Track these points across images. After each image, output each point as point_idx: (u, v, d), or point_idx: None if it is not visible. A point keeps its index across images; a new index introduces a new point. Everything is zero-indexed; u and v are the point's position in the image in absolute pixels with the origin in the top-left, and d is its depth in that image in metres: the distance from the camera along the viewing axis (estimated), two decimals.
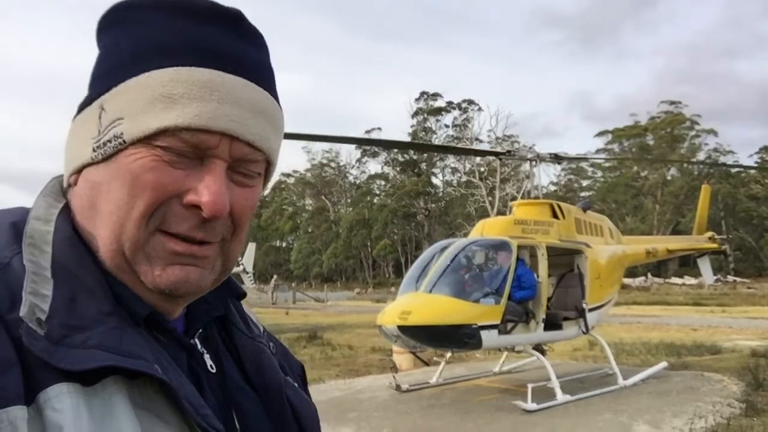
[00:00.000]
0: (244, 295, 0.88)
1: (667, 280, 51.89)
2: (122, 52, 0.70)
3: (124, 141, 0.67)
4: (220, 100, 0.68)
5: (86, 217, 0.71)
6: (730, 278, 54.36)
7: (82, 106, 0.73)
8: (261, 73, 0.74)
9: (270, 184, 0.77)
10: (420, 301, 8.61)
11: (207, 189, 0.67)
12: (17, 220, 0.70)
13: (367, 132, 72.22)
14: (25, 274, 0.64)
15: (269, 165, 0.77)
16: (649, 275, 52.56)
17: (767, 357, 12.49)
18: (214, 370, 0.77)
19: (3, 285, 0.64)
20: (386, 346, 13.07)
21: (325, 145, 73.75)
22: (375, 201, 71.76)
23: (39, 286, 0.63)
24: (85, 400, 0.60)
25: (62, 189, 0.76)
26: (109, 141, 0.68)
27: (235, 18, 0.73)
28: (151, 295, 0.70)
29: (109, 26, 0.73)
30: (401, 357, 12.38)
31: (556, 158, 10.97)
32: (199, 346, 0.78)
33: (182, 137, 0.67)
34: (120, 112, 0.67)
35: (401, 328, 8.22)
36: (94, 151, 0.69)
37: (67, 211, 0.73)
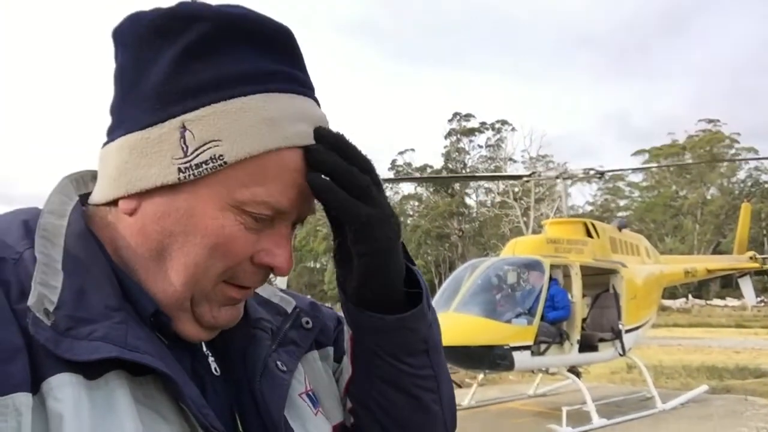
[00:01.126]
0: None
1: (708, 302, 50.57)
2: (197, 72, 0.69)
3: (225, 162, 0.67)
4: (310, 123, 0.73)
5: (146, 257, 0.71)
6: None
7: (144, 124, 0.69)
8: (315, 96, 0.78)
9: None
10: (451, 321, 8.48)
11: (282, 254, 0.73)
12: (29, 218, 0.71)
13: (400, 153, 72.57)
14: (36, 265, 0.64)
15: None
16: (690, 297, 51.31)
17: None
18: (218, 373, 0.76)
19: (14, 277, 0.64)
20: None
21: None
22: (408, 222, 71.77)
23: (48, 277, 0.64)
24: (87, 392, 0.60)
25: (74, 189, 0.77)
26: (205, 162, 0.68)
27: (291, 38, 0.74)
28: (195, 330, 0.73)
29: (162, 36, 0.69)
30: None
31: (587, 175, 10.82)
32: (204, 349, 0.77)
33: (285, 176, 0.70)
34: (215, 135, 0.68)
35: None
36: (181, 171, 0.68)
37: (79, 208, 0.74)
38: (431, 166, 71.23)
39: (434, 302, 9.29)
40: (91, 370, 0.61)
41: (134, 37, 0.71)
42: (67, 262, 0.66)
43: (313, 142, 0.72)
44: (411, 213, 74.20)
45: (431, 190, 70.86)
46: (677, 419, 8.96)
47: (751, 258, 15.41)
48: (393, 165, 73.82)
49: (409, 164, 72.96)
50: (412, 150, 72.11)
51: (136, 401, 0.63)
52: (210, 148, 0.67)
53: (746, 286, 16.38)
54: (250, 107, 0.68)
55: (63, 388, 0.59)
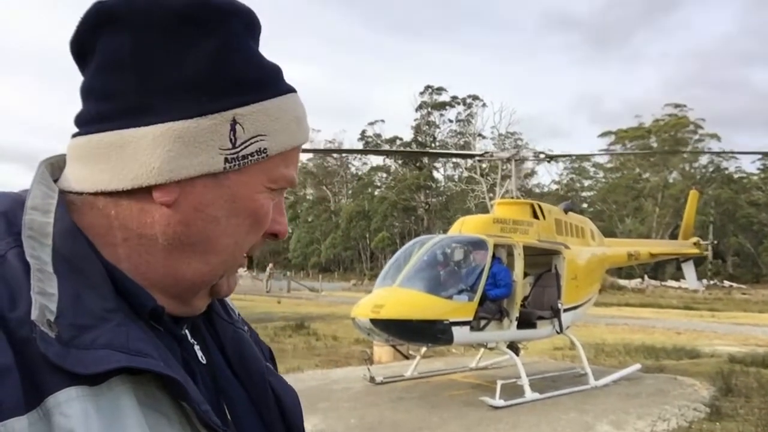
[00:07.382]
0: None
1: (663, 283, 51.83)
2: (240, 67, 0.74)
3: (267, 155, 0.75)
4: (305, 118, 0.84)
5: (176, 245, 0.73)
6: (727, 283, 54.34)
7: (189, 114, 0.70)
8: None
9: None
10: (394, 295, 8.74)
11: (284, 221, 0.80)
12: (7, 210, 0.69)
13: (371, 124, 72.41)
14: (30, 271, 0.62)
15: None
16: (646, 277, 52.55)
17: (744, 363, 12.59)
18: (204, 361, 0.80)
19: (1, 281, 0.63)
20: None
21: (329, 135, 74.17)
22: (376, 193, 71.80)
23: (45, 284, 0.62)
24: (94, 403, 0.61)
25: (51, 175, 0.74)
26: (251, 154, 0.74)
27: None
28: (204, 302, 0.80)
29: (197, 26, 0.71)
30: (381, 349, 12.53)
31: (537, 158, 11.10)
32: (189, 337, 0.80)
33: (290, 159, 0.79)
34: (262, 130, 0.74)
35: (373, 321, 8.35)
36: (227, 161, 0.72)
37: (63, 201, 0.71)
38: (401, 138, 71.14)
39: (381, 275, 9.46)
40: (96, 378, 0.61)
41: (156, 23, 0.70)
42: (58, 263, 0.64)
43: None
44: (379, 184, 74.22)
45: (399, 162, 70.83)
46: (606, 395, 9.37)
47: (694, 244, 15.92)
48: (363, 135, 73.56)
49: (378, 135, 72.76)
50: (382, 121, 71.83)
51: (140, 404, 0.64)
52: (257, 141, 0.74)
53: (689, 270, 16.87)
54: (287, 107, 0.78)
55: (71, 403, 0.59)
